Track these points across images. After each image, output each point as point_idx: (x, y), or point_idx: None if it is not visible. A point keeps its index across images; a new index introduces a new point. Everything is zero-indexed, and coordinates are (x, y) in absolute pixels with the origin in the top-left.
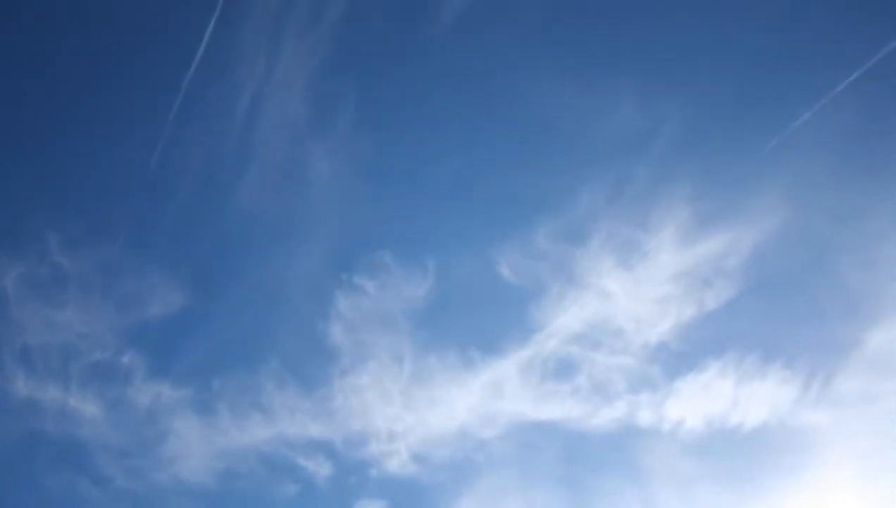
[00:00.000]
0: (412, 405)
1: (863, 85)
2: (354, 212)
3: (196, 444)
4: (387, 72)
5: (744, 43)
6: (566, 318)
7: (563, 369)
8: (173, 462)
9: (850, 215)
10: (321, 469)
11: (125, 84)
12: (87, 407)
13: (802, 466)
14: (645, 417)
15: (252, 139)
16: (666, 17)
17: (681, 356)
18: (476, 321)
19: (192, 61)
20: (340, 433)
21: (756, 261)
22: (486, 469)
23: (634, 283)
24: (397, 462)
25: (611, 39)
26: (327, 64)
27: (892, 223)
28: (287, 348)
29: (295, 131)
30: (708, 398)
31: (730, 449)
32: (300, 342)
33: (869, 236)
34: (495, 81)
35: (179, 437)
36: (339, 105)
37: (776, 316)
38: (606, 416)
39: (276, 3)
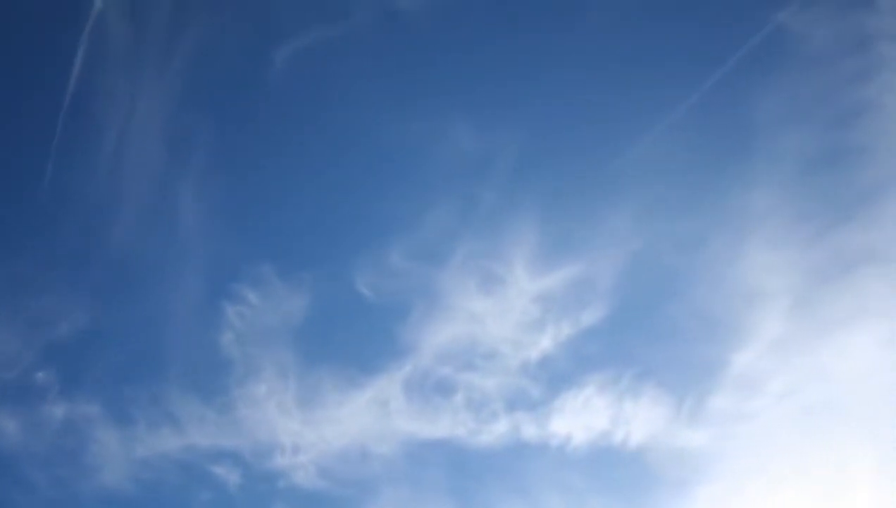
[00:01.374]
0: (308, 418)
1: (705, 105)
2: (227, 232)
3: (115, 453)
4: (239, 104)
5: (584, 66)
6: (438, 338)
7: (442, 388)
8: (96, 470)
9: (697, 239)
10: (231, 477)
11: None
12: (7, 422)
13: (686, 483)
14: (530, 433)
15: (123, 165)
16: (501, 40)
17: (557, 374)
18: (352, 338)
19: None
20: (246, 443)
21: (616, 284)
22: (384, 484)
23: (498, 305)
24: (302, 475)
25: (448, 67)
26: (182, 100)
27: (736, 247)
28: (187, 360)
29: (158, 164)
30: (589, 416)
31: (615, 465)
32: (197, 355)
33: (716, 259)
34: (341, 111)
35: (100, 446)
36: (197, 137)
37: (643, 338)
38: (492, 433)
39: (131, 41)
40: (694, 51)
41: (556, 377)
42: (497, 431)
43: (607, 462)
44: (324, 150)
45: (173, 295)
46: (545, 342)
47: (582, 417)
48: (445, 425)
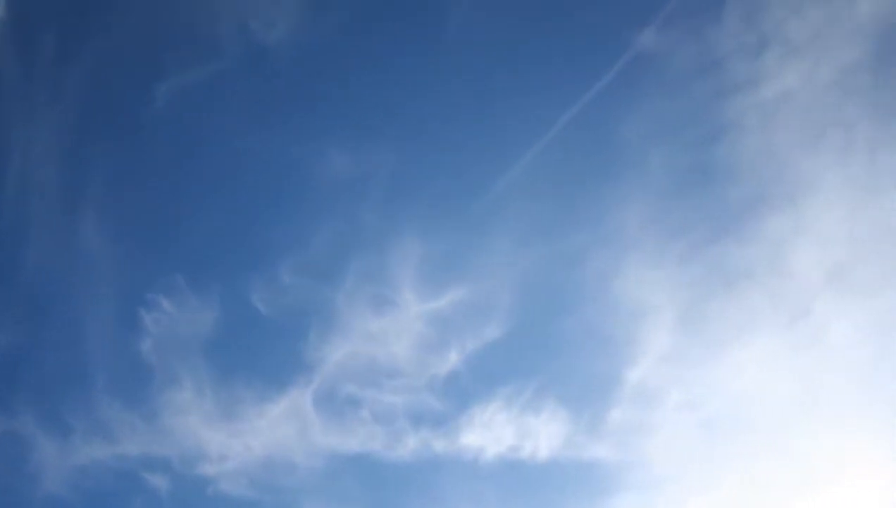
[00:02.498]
0: (230, 428)
1: (577, 125)
2: (134, 246)
3: (56, 462)
4: (130, 134)
5: (455, 92)
6: (339, 355)
7: (350, 404)
8: (36, 478)
9: (580, 256)
10: (162, 484)
11: None
12: None
13: (594, 494)
14: (441, 447)
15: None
16: (373, 65)
17: (462, 391)
18: (258, 353)
19: None
20: (174, 451)
21: (509, 302)
22: (304, 495)
23: (393, 324)
24: (229, 483)
25: (319, 97)
26: (76, 129)
27: (617, 263)
28: (111, 369)
29: (59, 189)
30: (497, 430)
31: (525, 478)
32: (120, 363)
33: (600, 275)
34: (225, 138)
35: (38, 455)
36: (93, 163)
37: (540, 355)
38: (405, 447)
39: (22, 72)
40: (564, 73)
41: (461, 393)
42: (409, 445)
43: (517, 474)
44: (210, 173)
45: (90, 308)
46: (447, 360)
47: (490, 431)
48: (358, 439)
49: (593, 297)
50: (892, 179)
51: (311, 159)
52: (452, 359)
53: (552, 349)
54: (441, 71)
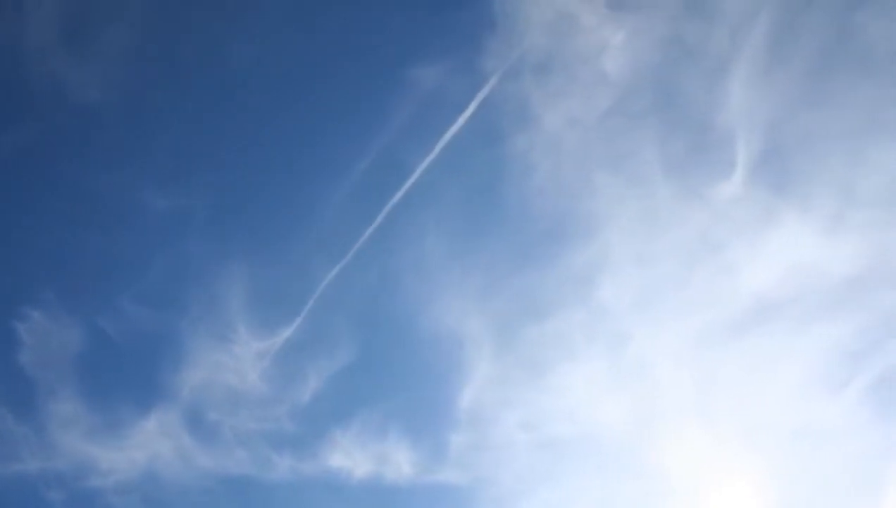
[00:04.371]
0: (112, 443)
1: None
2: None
3: None
4: None
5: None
6: (196, 381)
7: (217, 428)
8: None
9: (396, 287)
10: (57, 497)
11: None
12: None
13: None
14: (309, 469)
15: None
16: (182, 115)
17: (320, 417)
18: (124, 374)
19: None
20: (62, 464)
21: (347, 334)
22: None
23: (240, 353)
24: (117, 498)
25: (131, 143)
26: None
27: (430, 295)
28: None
29: None
30: (355, 456)
31: (388, 500)
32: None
33: (417, 307)
34: (73, 182)
35: None
36: None
37: (385, 384)
38: (275, 470)
39: None
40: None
41: (319, 419)
42: (279, 468)
43: (381, 497)
44: (63, 205)
45: None
46: (301, 389)
47: (351, 456)
48: (230, 461)
49: (415, 327)
50: (686, 201)
51: (132, 197)
52: (307, 387)
53: (393, 378)
54: (249, 114)
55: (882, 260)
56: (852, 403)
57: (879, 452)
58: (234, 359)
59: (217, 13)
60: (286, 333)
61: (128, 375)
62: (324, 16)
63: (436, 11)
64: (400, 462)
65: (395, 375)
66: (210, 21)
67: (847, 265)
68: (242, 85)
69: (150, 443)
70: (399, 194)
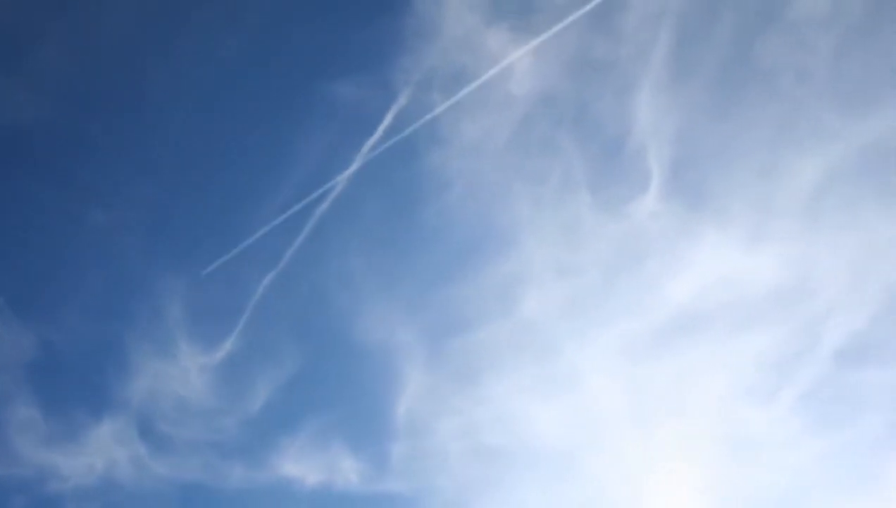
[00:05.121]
0: (69, 450)
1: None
2: None
3: None
4: None
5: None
6: (145, 391)
7: (167, 437)
8: None
9: (329, 302)
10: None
11: None
12: None
13: None
14: (262, 477)
15: None
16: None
17: (269, 428)
18: (76, 383)
19: None
20: (26, 470)
21: (294, 348)
22: None
23: (185, 367)
24: (77, 504)
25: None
26: None
27: (359, 308)
28: None
29: None
30: (304, 465)
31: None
32: None
33: (347, 321)
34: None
35: None
36: None
37: (328, 398)
38: (226, 478)
39: None
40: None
41: (266, 429)
42: (230, 477)
43: (332, 506)
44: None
45: None
46: (246, 400)
47: (301, 465)
48: (183, 469)
49: (350, 339)
50: (604, 214)
51: (77, 212)
52: (247, 400)
53: (332, 389)
54: (179, 130)
55: (802, 271)
56: (783, 413)
57: (811, 462)
58: (180, 370)
59: (146, 34)
60: (227, 345)
61: (77, 384)
62: (242, 35)
63: (347, 29)
64: (346, 470)
65: (334, 386)
66: (140, 41)
67: (768, 277)
68: (173, 103)
69: (104, 451)
70: (324, 206)
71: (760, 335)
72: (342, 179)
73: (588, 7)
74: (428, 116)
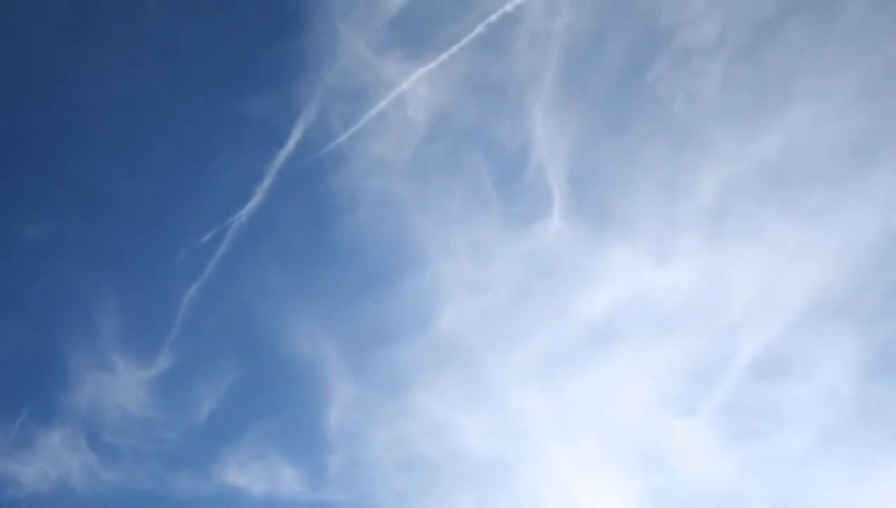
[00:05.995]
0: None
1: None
2: None
3: None
4: None
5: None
6: (89, 403)
7: (117, 446)
8: None
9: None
10: None
11: None
12: None
13: None
14: (208, 487)
15: None
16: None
17: (209, 441)
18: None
19: None
20: None
21: (228, 365)
22: None
23: (126, 379)
24: None
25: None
26: None
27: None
28: None
29: None
30: (250, 475)
31: None
32: None
33: (271, 336)
34: None
35: None
36: None
37: (264, 410)
38: (175, 487)
39: None
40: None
41: (208, 440)
42: (177, 486)
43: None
44: None
45: None
46: (186, 412)
47: (243, 476)
48: (131, 478)
49: (278, 353)
50: (510, 233)
51: (10, 227)
52: (187, 412)
53: (267, 401)
54: (104, 146)
55: (711, 284)
56: (701, 425)
57: (730, 473)
58: (120, 382)
59: (67, 58)
60: (160, 358)
61: (19, 394)
62: (153, 55)
63: (252, 50)
64: (288, 480)
65: (269, 397)
66: (68, 56)
67: (679, 290)
68: (99, 119)
69: (56, 459)
70: (240, 220)
71: (675, 348)
72: (258, 194)
73: (478, 31)
74: (334, 135)
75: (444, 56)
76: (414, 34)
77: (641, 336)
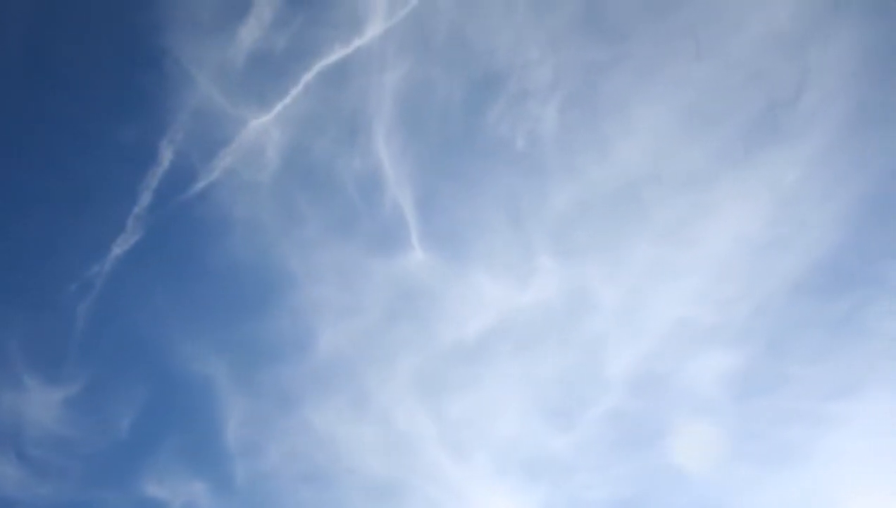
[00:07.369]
0: None
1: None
2: None
3: None
4: None
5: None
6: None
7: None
8: None
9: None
10: None
11: None
12: None
13: None
14: (137, 500)
15: None
16: None
17: (124, 456)
18: None
19: None
20: None
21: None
22: None
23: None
24: None
25: None
26: None
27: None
28: None
29: None
30: (167, 488)
31: None
32: None
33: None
34: None
35: None
36: None
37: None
38: (110, 501)
39: None
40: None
41: (125, 457)
42: (106, 501)
43: None
44: None
45: None
46: (102, 432)
47: (164, 488)
48: (64, 490)
49: (172, 371)
50: (375, 259)
51: None
52: (103, 431)
53: (180, 419)
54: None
55: (574, 301)
56: (586, 435)
57: (620, 481)
58: (31, 401)
59: None
60: (65, 378)
61: None
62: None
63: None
64: (201, 493)
65: (177, 414)
66: None
67: (542, 310)
68: None
69: None
70: (122, 245)
71: (548, 364)
72: (133, 220)
73: (316, 70)
74: (195, 172)
75: (295, 91)
76: (259, 77)
77: (513, 355)
